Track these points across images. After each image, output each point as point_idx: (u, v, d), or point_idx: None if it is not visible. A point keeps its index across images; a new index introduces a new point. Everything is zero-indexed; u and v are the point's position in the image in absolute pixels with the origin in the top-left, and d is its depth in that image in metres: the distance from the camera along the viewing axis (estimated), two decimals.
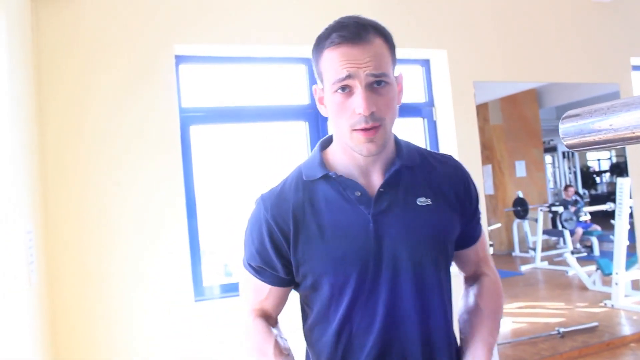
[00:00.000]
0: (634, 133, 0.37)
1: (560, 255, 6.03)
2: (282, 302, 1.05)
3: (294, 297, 1.06)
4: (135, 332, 2.21)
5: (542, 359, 3.27)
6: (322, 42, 0.93)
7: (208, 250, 2.64)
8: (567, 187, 7.00)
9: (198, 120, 2.54)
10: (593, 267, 4.97)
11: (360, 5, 2.55)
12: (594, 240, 6.30)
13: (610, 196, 6.48)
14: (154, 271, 2.26)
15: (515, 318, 4.20)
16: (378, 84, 0.90)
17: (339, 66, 0.89)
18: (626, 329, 3.84)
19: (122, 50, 2.30)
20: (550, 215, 6.50)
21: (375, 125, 0.90)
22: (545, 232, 6.40)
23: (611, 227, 4.46)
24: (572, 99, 5.38)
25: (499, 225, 6.64)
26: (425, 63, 3.06)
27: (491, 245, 4.70)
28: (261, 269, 1.00)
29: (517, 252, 6.65)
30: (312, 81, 2.73)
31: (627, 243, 4.20)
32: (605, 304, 4.35)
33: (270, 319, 1.05)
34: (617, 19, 3.58)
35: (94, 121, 2.24)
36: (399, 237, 0.94)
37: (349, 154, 0.97)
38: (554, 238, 6.68)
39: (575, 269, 5.17)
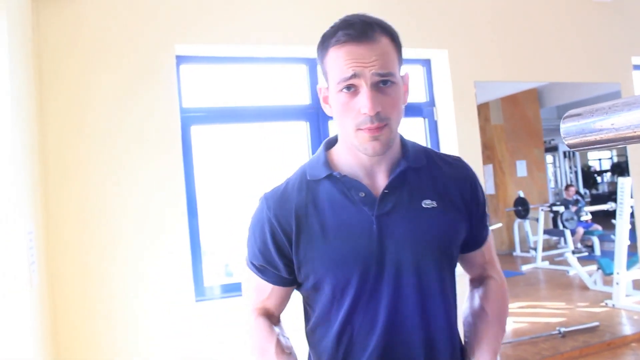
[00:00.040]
0: (635, 132, 0.37)
1: (561, 255, 6.03)
2: (284, 301, 1.05)
3: (297, 298, 1.06)
4: (136, 332, 2.22)
5: (543, 359, 3.27)
6: (327, 41, 0.92)
7: (209, 250, 2.64)
8: (568, 186, 7.00)
9: (199, 121, 2.54)
10: (594, 267, 4.96)
11: (360, 5, 2.54)
12: (595, 240, 6.30)
13: (611, 196, 6.48)
14: (154, 271, 2.26)
15: (516, 318, 4.20)
16: (384, 84, 0.89)
17: (345, 65, 0.88)
18: (627, 329, 3.83)
19: (122, 50, 2.30)
20: (551, 215, 6.50)
21: (380, 125, 0.88)
22: (546, 231, 6.39)
23: (612, 227, 4.46)
24: (573, 99, 5.38)
25: (499, 225, 6.64)
26: (426, 63, 3.06)
27: None
28: (263, 268, 1.00)
29: (518, 252, 6.65)
30: (313, 81, 2.75)
31: (628, 243, 4.19)
32: (606, 303, 4.35)
33: (272, 317, 1.04)
34: (617, 19, 3.58)
35: (95, 121, 2.24)
36: (402, 239, 0.93)
37: (354, 154, 0.96)
38: (554, 238, 6.67)
39: (576, 269, 5.17)
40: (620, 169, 9.33)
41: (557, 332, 3.63)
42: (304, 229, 0.95)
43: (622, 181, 4.10)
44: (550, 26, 3.32)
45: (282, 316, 1.08)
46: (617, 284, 4.26)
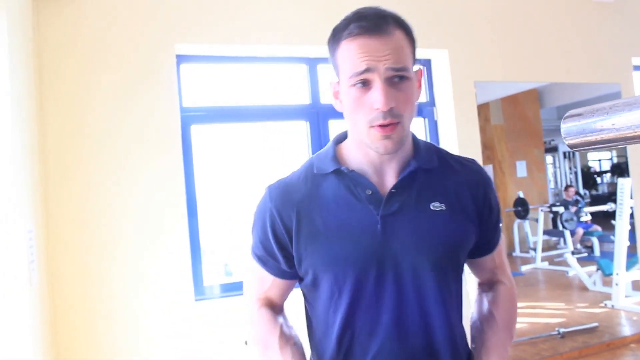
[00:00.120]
0: (636, 132, 0.37)
1: (560, 255, 6.03)
2: (286, 292, 1.03)
3: (297, 298, 1.06)
4: (135, 331, 2.21)
5: (542, 359, 3.27)
6: (339, 33, 0.88)
7: (208, 249, 2.64)
8: (567, 187, 7.00)
9: (199, 120, 2.54)
10: (593, 268, 4.96)
11: (360, 5, 2.55)
12: (595, 241, 6.30)
13: (611, 196, 6.48)
14: (154, 271, 2.26)
15: None
16: (398, 79, 0.85)
17: (358, 59, 0.85)
18: (626, 330, 3.83)
19: (123, 49, 2.30)
20: (551, 215, 6.50)
21: (393, 122, 0.85)
22: (545, 232, 6.39)
23: (612, 228, 4.46)
24: (573, 99, 5.38)
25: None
26: (427, 63, 3.06)
27: None
28: (265, 259, 0.98)
29: (517, 252, 6.65)
30: (313, 81, 2.75)
31: (628, 243, 4.19)
32: (605, 304, 4.35)
33: (275, 307, 1.02)
34: (618, 19, 3.58)
35: (95, 121, 2.24)
36: (406, 241, 0.90)
37: (364, 150, 0.93)
38: (554, 238, 6.67)
39: (576, 270, 5.16)
40: (620, 169, 9.34)
41: (556, 332, 3.63)
42: (306, 223, 0.92)
43: (621, 182, 4.10)
44: (550, 26, 3.32)
45: (285, 304, 1.06)
46: (617, 284, 4.26)
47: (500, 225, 1.06)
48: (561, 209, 6.20)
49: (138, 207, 2.26)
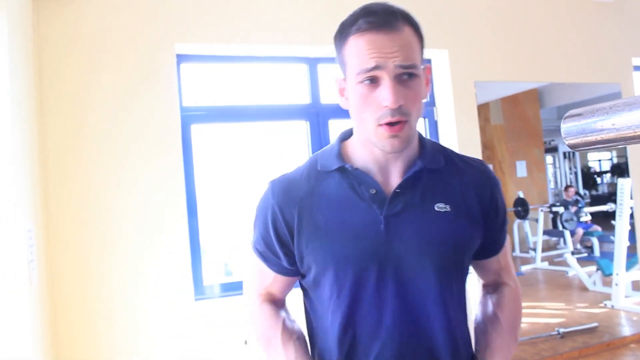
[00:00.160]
0: (636, 132, 0.37)
1: (560, 255, 6.03)
2: (288, 287, 1.02)
3: (298, 298, 1.05)
4: (135, 331, 2.21)
5: (542, 359, 3.27)
6: (346, 29, 0.87)
7: (208, 249, 2.64)
8: (567, 187, 7.00)
9: (199, 120, 2.54)
10: (593, 268, 4.96)
11: (360, 5, 2.55)
12: (595, 241, 6.30)
13: (611, 197, 6.47)
14: (154, 270, 2.26)
15: None
16: (407, 76, 0.84)
17: (366, 55, 0.83)
18: (626, 330, 3.83)
19: (123, 49, 2.30)
20: (551, 215, 6.49)
21: (401, 120, 0.84)
22: (545, 232, 6.39)
23: (612, 228, 4.46)
24: (573, 99, 5.37)
25: None
26: (427, 63, 3.06)
27: None
28: (266, 254, 0.98)
29: (517, 252, 6.64)
30: (313, 80, 2.75)
31: (628, 244, 4.19)
32: (605, 304, 4.35)
33: (277, 302, 1.02)
34: (618, 19, 3.58)
35: (95, 120, 2.24)
36: (410, 242, 0.88)
37: (369, 148, 0.91)
38: (554, 238, 6.67)
39: (576, 270, 5.16)
40: (620, 170, 9.33)
41: (556, 332, 3.63)
42: (308, 220, 0.91)
43: (621, 182, 4.10)
44: (550, 26, 3.32)
45: (287, 297, 1.05)
46: (617, 285, 4.26)
47: (505, 229, 1.04)
48: (561, 209, 6.19)
49: (138, 207, 2.26)
